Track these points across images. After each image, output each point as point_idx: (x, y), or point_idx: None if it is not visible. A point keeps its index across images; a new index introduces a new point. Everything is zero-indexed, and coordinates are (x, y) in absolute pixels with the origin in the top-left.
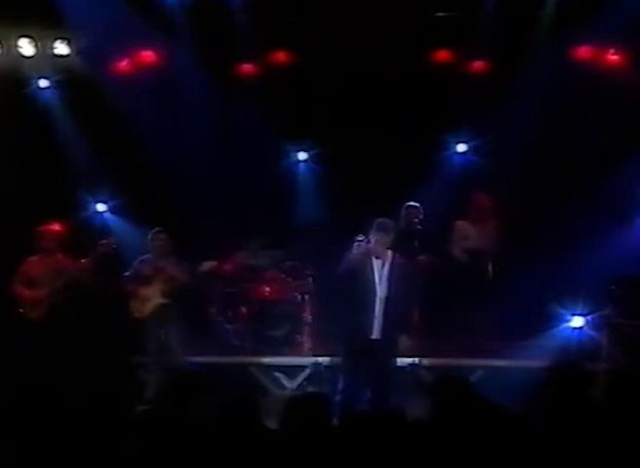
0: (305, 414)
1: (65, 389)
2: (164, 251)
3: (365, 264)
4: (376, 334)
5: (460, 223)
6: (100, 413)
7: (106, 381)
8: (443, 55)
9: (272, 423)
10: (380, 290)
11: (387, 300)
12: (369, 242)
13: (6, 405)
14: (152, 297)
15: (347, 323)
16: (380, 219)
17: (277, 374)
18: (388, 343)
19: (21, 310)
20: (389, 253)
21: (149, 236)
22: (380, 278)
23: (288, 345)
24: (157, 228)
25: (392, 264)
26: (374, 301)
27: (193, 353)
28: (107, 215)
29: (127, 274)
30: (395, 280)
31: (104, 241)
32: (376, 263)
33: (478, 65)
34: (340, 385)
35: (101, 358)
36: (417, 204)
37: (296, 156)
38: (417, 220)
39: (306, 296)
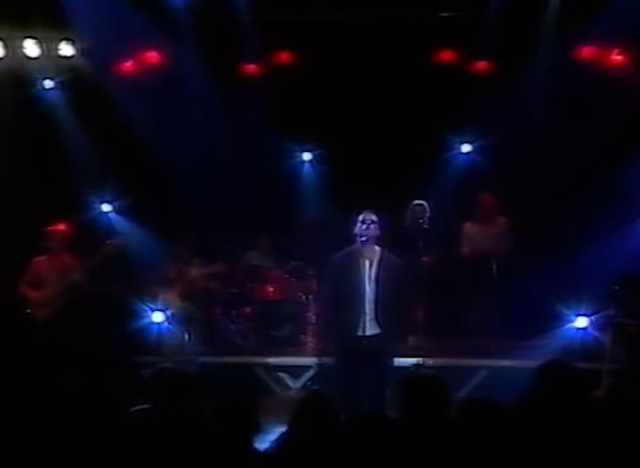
0: (313, 414)
1: (62, 388)
2: (191, 254)
3: (352, 263)
4: (367, 333)
5: (465, 225)
6: (94, 411)
7: (102, 380)
8: (447, 55)
9: (276, 423)
10: (370, 288)
11: (377, 298)
12: (364, 241)
13: (7, 403)
14: (173, 301)
15: (336, 323)
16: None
17: (281, 374)
18: (382, 342)
19: (28, 311)
20: (377, 249)
21: (178, 239)
22: (370, 276)
23: (292, 345)
24: (185, 232)
25: (381, 261)
26: (363, 300)
27: (199, 353)
28: (113, 216)
29: (154, 276)
30: (384, 277)
31: (111, 241)
32: (363, 262)
33: (482, 66)
34: (341, 385)
35: (101, 358)
36: (423, 202)
37: (300, 156)
38: (422, 220)
39: (310, 296)
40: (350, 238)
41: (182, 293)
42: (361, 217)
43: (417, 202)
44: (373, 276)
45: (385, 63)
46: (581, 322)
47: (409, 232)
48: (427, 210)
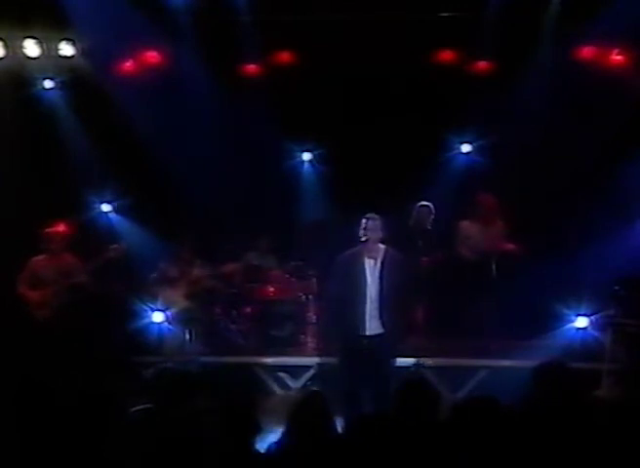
0: (308, 415)
1: (62, 388)
2: (192, 254)
3: (356, 262)
4: (369, 332)
5: (463, 223)
6: (93, 411)
7: (102, 380)
8: (447, 55)
9: (276, 423)
10: (374, 286)
11: (380, 297)
12: (364, 242)
13: (7, 403)
14: (177, 300)
15: (338, 322)
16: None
17: (281, 374)
18: (384, 341)
19: (28, 310)
20: (381, 248)
21: (178, 239)
22: (373, 276)
23: (292, 345)
24: (185, 232)
25: (384, 260)
26: (366, 299)
27: (199, 353)
28: (113, 216)
29: (153, 275)
30: (388, 274)
31: (115, 246)
32: (367, 262)
33: (482, 66)
34: (342, 385)
35: (101, 358)
36: (428, 203)
37: (300, 156)
38: (428, 220)
39: (310, 296)
40: (354, 238)
41: (188, 293)
42: (363, 219)
43: (422, 203)
44: (377, 273)
45: (385, 63)
46: (581, 322)
47: (412, 232)
48: (433, 211)
